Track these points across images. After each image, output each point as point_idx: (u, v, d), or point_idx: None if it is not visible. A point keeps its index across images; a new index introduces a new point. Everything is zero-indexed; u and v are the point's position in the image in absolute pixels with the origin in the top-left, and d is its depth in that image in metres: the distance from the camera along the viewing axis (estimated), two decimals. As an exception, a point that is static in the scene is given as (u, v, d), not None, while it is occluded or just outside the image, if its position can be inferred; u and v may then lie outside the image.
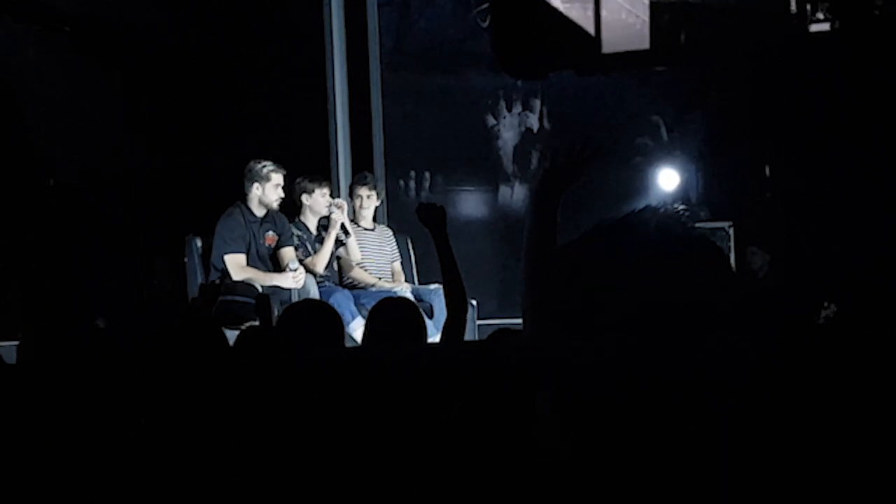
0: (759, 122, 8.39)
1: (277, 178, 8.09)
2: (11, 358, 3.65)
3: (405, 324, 4.44)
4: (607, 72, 8.63)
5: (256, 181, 8.07)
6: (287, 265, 7.97)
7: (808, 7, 7.07)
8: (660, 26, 7.39)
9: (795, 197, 8.50)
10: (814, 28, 7.07)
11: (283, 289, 7.84)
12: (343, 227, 8.33)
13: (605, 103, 9.68)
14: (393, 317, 4.48)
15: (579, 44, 7.67)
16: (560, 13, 7.53)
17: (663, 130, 9.81)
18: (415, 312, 4.60)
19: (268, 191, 8.07)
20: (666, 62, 8.15)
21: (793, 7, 7.17)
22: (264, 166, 8.07)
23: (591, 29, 7.68)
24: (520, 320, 2.68)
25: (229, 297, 7.75)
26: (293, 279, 7.85)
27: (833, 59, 6.85)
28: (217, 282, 7.90)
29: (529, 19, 7.43)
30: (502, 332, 4.77)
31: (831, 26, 6.95)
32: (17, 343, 3.55)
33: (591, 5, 7.65)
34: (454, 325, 4.49)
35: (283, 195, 8.14)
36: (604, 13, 7.70)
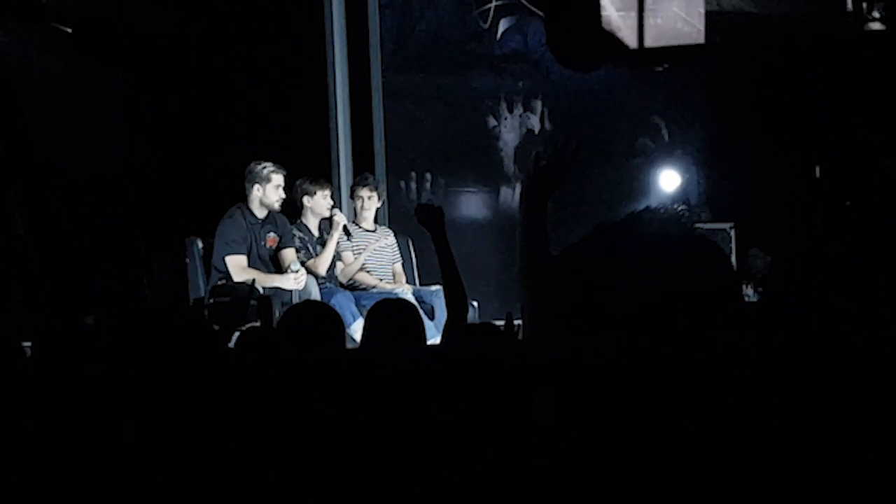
0: (772, 122, 8.38)
1: (278, 178, 8.10)
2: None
3: (402, 324, 4.43)
4: (658, 64, 8.62)
5: (257, 182, 8.08)
6: (288, 266, 7.98)
7: (865, 6, 7.06)
8: (714, 37, 7.39)
9: (796, 197, 8.50)
10: (871, 27, 7.07)
11: (284, 290, 7.85)
12: (345, 228, 8.35)
13: (606, 104, 9.68)
14: (390, 317, 4.48)
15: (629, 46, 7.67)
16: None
17: (664, 131, 9.81)
18: (412, 313, 4.59)
19: (268, 192, 8.08)
20: (714, 58, 8.14)
21: (849, 5, 7.16)
22: (265, 167, 8.08)
23: (641, 37, 7.67)
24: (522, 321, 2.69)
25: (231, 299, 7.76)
26: (294, 280, 7.86)
27: (884, 58, 6.85)
28: (223, 282, 7.91)
29: (583, 15, 7.42)
30: (466, 328, 4.75)
31: (887, 27, 6.95)
32: (28, 344, 3.56)
33: (646, 14, 7.63)
34: (455, 327, 4.48)
35: (283, 196, 8.14)
36: (659, 21, 7.69)
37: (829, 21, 7.29)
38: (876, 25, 6.99)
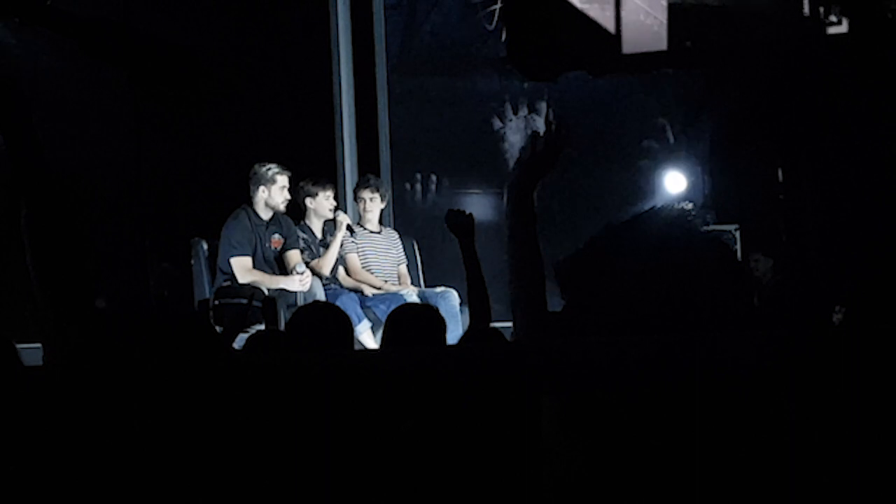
0: (770, 125, 8.38)
1: (283, 180, 8.10)
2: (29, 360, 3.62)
3: (423, 332, 4.40)
4: (623, 73, 8.59)
5: (262, 184, 8.08)
6: (293, 268, 7.98)
7: (822, 10, 7.04)
8: (677, 28, 7.35)
9: (800, 200, 8.49)
10: (830, 30, 7.05)
11: (289, 292, 7.85)
12: (349, 226, 8.36)
13: (611, 106, 9.67)
14: (411, 325, 4.44)
15: (595, 44, 7.63)
16: (574, 11, 7.46)
17: (670, 133, 9.80)
18: (434, 319, 4.55)
19: (274, 193, 8.08)
20: (682, 64, 8.11)
21: (805, 9, 7.13)
22: (269, 169, 8.08)
23: (608, 29, 7.62)
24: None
25: (235, 300, 7.76)
26: (300, 282, 7.86)
27: (845, 62, 6.84)
28: (228, 284, 7.92)
29: (542, 18, 7.37)
30: (468, 333, 4.73)
31: (848, 28, 6.92)
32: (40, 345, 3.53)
33: (609, 6, 7.59)
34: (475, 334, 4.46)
35: (289, 197, 8.15)
36: (622, 13, 7.63)
37: (788, 20, 7.26)
38: (836, 29, 6.97)
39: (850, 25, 6.86)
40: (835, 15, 6.90)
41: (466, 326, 5.75)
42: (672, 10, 7.50)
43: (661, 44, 7.38)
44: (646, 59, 7.64)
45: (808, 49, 7.10)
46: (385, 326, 4.52)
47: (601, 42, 7.52)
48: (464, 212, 4.61)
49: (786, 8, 7.28)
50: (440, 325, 4.46)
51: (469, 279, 4.42)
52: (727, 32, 7.39)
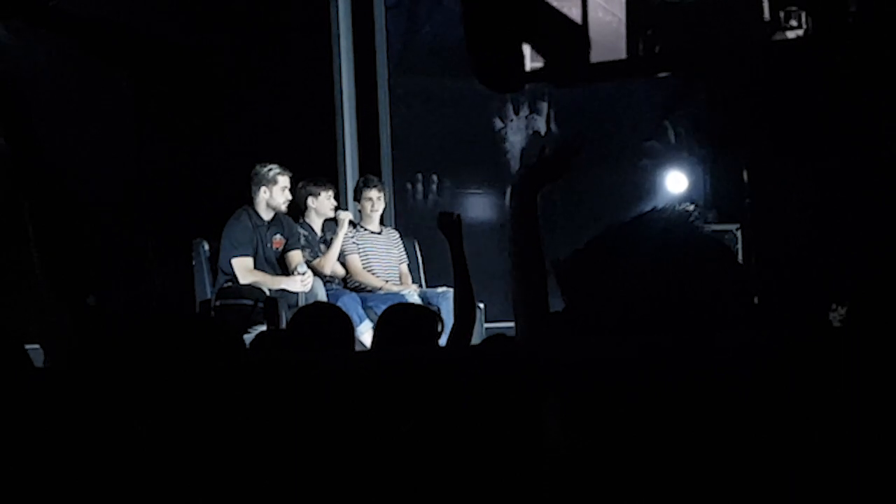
0: (755, 125, 8.38)
1: (284, 180, 8.11)
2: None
3: (417, 329, 4.42)
4: (589, 83, 8.59)
5: (263, 185, 8.09)
6: (295, 268, 7.98)
7: (782, 14, 7.03)
8: (636, 23, 7.33)
9: (793, 200, 8.49)
10: (789, 35, 7.04)
11: (290, 292, 7.85)
12: (351, 221, 8.39)
13: (612, 105, 9.67)
14: (403, 324, 4.46)
15: (561, 46, 7.60)
16: (543, 15, 7.44)
17: (671, 133, 9.80)
18: (428, 318, 4.57)
19: (275, 194, 8.09)
20: (650, 72, 8.11)
21: (766, 14, 7.13)
22: (270, 169, 8.09)
23: (573, 32, 7.58)
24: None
25: (236, 301, 7.77)
26: (301, 283, 7.86)
27: (812, 64, 6.83)
28: (230, 285, 7.92)
29: (506, 25, 7.33)
30: (499, 336, 4.75)
31: (805, 33, 6.91)
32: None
33: (572, 4, 7.55)
34: (461, 334, 4.48)
35: (290, 197, 8.16)
36: (580, 12, 7.60)
37: (747, 20, 7.25)
38: (795, 33, 6.95)
39: (810, 29, 6.84)
40: (794, 19, 6.88)
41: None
42: (630, 4, 7.47)
43: (620, 40, 7.37)
44: (612, 68, 7.61)
45: (767, 50, 7.09)
46: (376, 326, 4.54)
47: (567, 43, 7.47)
48: (452, 213, 4.65)
49: (745, 8, 7.28)
50: (432, 324, 4.47)
51: (456, 279, 4.46)
52: (686, 28, 7.38)
